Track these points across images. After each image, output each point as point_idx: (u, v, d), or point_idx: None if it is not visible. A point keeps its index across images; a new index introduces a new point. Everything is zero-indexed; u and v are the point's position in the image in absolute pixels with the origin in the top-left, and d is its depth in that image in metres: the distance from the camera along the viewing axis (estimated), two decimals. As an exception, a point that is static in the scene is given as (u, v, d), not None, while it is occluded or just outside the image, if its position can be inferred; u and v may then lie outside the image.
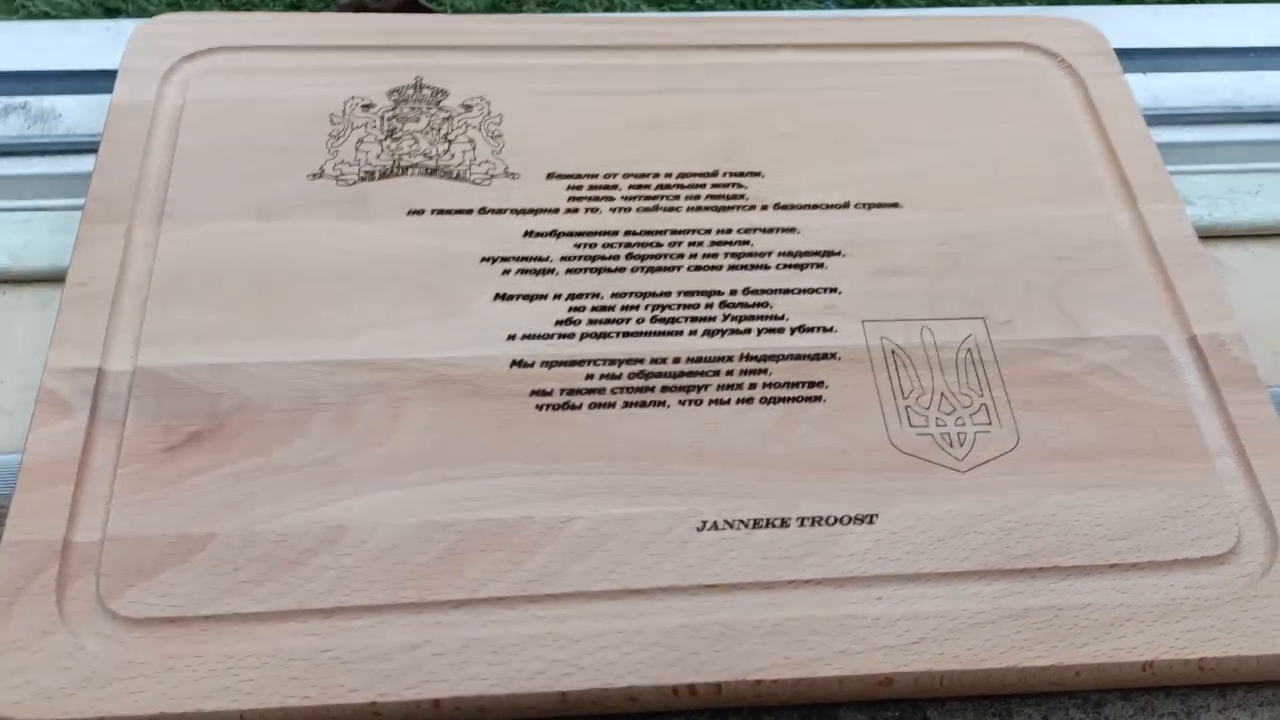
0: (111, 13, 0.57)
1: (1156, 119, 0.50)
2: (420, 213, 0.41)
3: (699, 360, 0.38)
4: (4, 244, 0.42)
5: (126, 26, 0.53)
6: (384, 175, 0.42)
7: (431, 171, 0.42)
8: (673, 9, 0.61)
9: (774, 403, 0.37)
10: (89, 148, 0.45)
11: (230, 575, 0.32)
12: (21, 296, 0.41)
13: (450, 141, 0.43)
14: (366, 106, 0.44)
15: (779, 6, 0.62)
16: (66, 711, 0.30)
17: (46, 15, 0.56)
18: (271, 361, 0.37)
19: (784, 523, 0.34)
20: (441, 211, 0.41)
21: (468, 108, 0.44)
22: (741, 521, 0.34)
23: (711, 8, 0.61)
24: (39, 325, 0.40)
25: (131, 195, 0.40)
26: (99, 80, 0.48)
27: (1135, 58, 0.54)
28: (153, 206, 0.40)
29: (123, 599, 0.32)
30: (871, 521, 0.35)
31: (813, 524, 0.35)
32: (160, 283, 0.38)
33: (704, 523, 0.34)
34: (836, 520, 0.35)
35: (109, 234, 0.39)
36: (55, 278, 0.41)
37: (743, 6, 0.62)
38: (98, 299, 0.37)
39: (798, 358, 0.38)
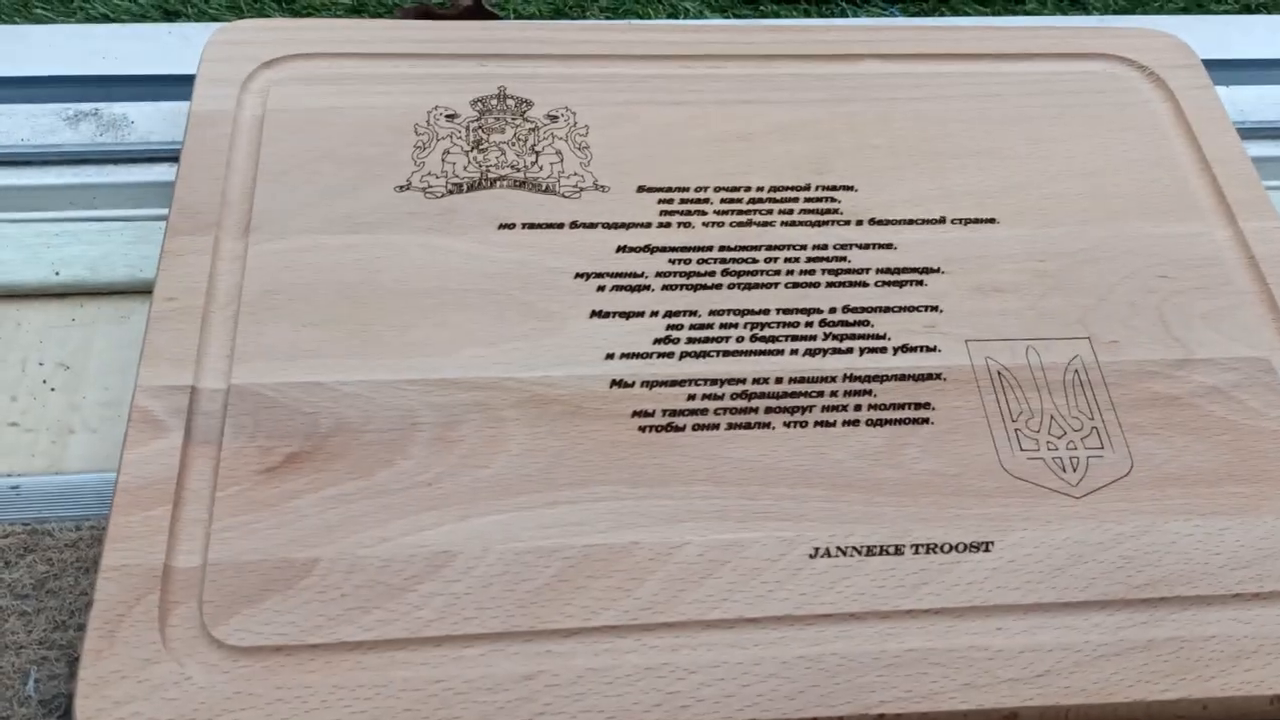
0: (170, 15, 0.56)
1: (1243, 132, 0.49)
2: (511, 226, 0.40)
3: (802, 380, 0.37)
4: (82, 256, 0.41)
5: (189, 30, 0.53)
6: (472, 188, 0.41)
7: (520, 184, 0.41)
8: (737, 15, 0.60)
9: (880, 425, 0.36)
10: (163, 156, 0.45)
11: (336, 602, 0.32)
12: (101, 309, 0.40)
13: (538, 153, 0.42)
14: (451, 116, 0.43)
15: (844, 14, 0.61)
16: (175, 744, 0.29)
17: (105, 18, 0.55)
18: (367, 380, 0.36)
19: (898, 550, 0.34)
20: (532, 225, 0.40)
21: (553, 118, 0.43)
22: (855, 548, 0.34)
23: (777, 14, 0.60)
24: (119, 339, 0.39)
25: (217, 207, 0.39)
26: (167, 86, 0.47)
27: (1215, 69, 0.53)
28: (239, 219, 0.39)
29: (227, 626, 0.31)
30: (987, 549, 0.34)
31: (927, 551, 0.34)
32: (250, 298, 0.37)
33: (816, 549, 0.33)
34: (951, 548, 0.34)
35: (195, 247, 0.38)
36: (134, 290, 0.41)
37: (806, 14, 0.61)
38: (187, 314, 0.37)
39: (902, 378, 0.37)
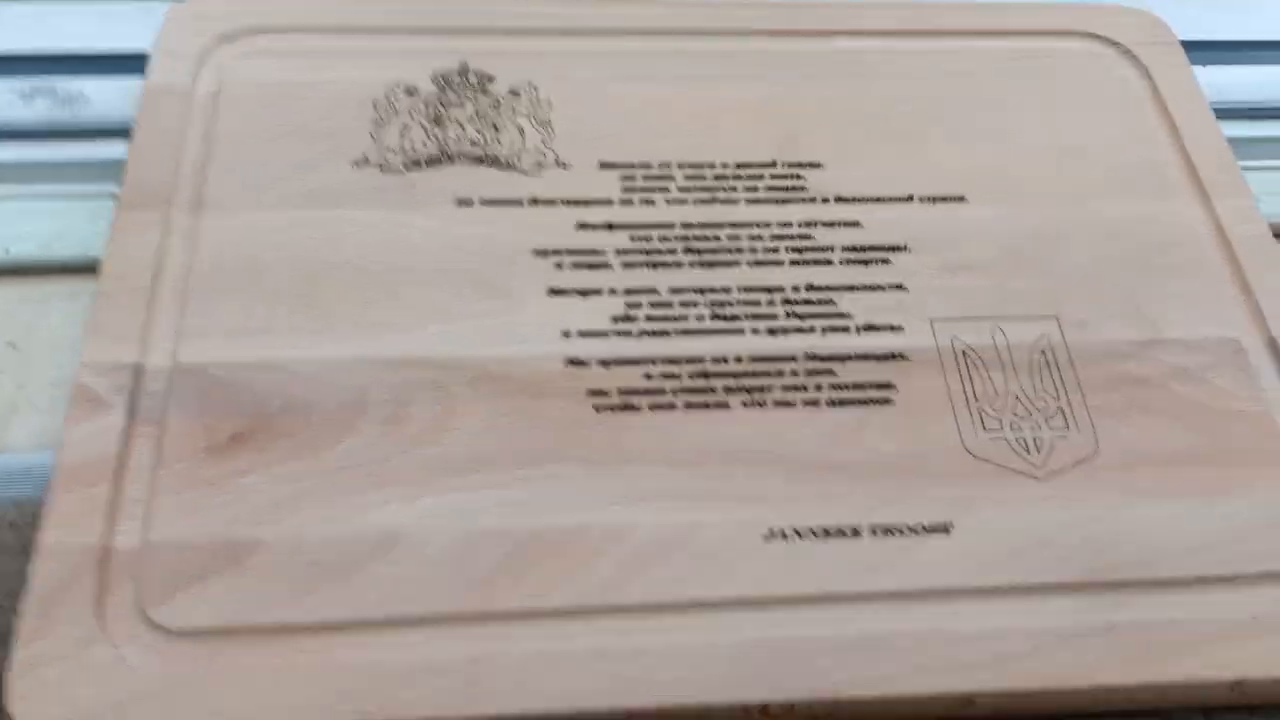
0: (137, -8, 0.56)
1: (1219, 113, 0.48)
2: (469, 203, 0.39)
3: (762, 360, 0.36)
4: (35, 232, 0.40)
5: (156, 8, 0.52)
6: (431, 163, 0.40)
7: (480, 160, 0.40)
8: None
9: (841, 405, 0.36)
10: (121, 132, 0.43)
11: (279, 583, 0.31)
12: (53, 287, 0.39)
13: (498, 129, 0.41)
14: (410, 92, 0.42)
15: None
16: (109, 727, 0.28)
17: (70, -5, 0.55)
18: (318, 358, 0.35)
19: (855, 532, 0.33)
20: (491, 202, 0.39)
21: (515, 94, 0.42)
22: (811, 530, 0.33)
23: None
24: (71, 317, 0.39)
25: (169, 183, 0.38)
26: (128, 63, 0.46)
27: (1192, 50, 0.52)
28: (191, 194, 0.38)
29: (166, 608, 0.30)
30: (947, 531, 0.33)
31: (886, 534, 0.33)
32: (200, 274, 0.36)
33: (771, 531, 0.33)
34: (910, 530, 0.33)
35: (145, 222, 0.37)
36: (88, 268, 0.40)
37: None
38: (134, 291, 0.36)
39: (865, 358, 0.37)
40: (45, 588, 0.30)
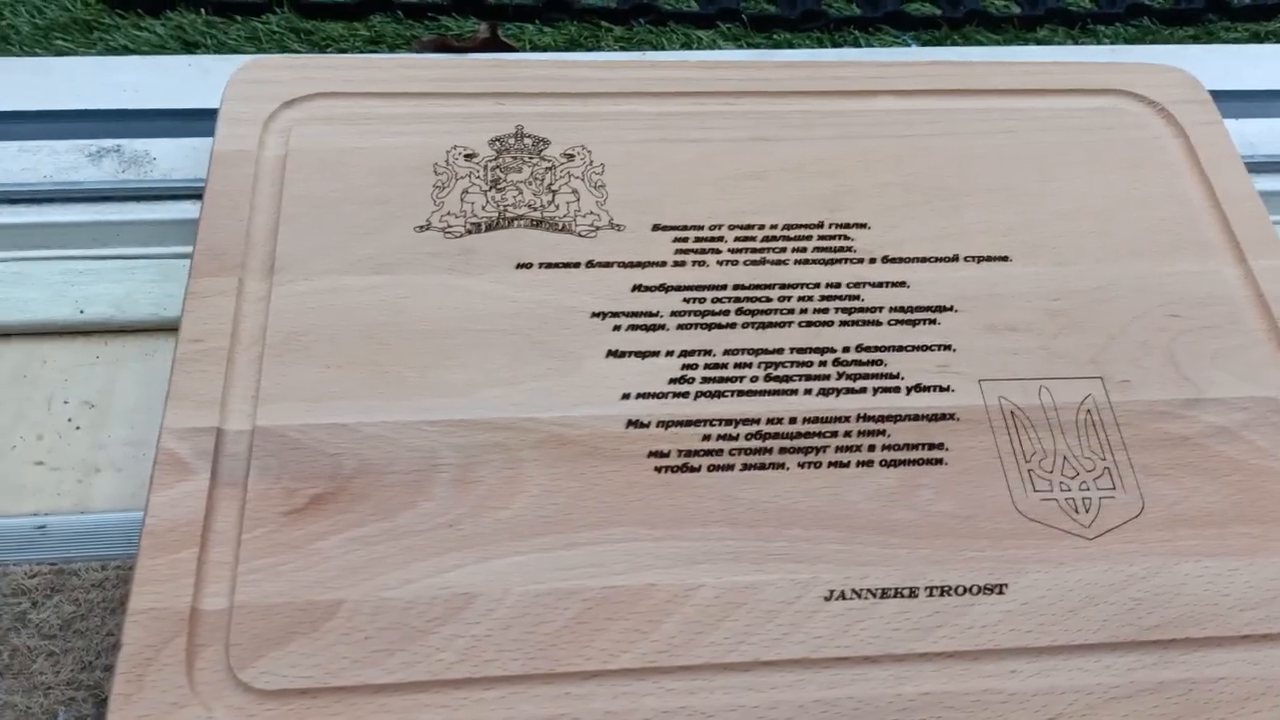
0: (190, 46, 0.57)
1: (1251, 166, 0.49)
2: (529, 266, 0.41)
3: (816, 420, 0.37)
4: (108, 294, 0.42)
5: (209, 63, 0.54)
6: (490, 227, 0.42)
7: (537, 223, 0.42)
8: (750, 44, 0.61)
9: (894, 465, 0.37)
10: (185, 194, 0.45)
11: (360, 644, 0.32)
12: (125, 347, 0.41)
13: (554, 192, 0.43)
14: (469, 156, 0.43)
15: (857, 43, 0.61)
16: (203, 787, 0.30)
17: (126, 49, 0.56)
18: (389, 421, 0.36)
19: (912, 592, 0.34)
20: (549, 265, 0.41)
21: (570, 157, 0.44)
22: (869, 591, 0.34)
23: (790, 44, 0.61)
24: (143, 377, 0.40)
25: (241, 248, 0.40)
26: (188, 120, 0.48)
27: (1224, 99, 0.53)
28: (263, 260, 0.40)
29: (254, 669, 0.31)
30: (1001, 591, 0.34)
31: (941, 593, 0.34)
32: (274, 339, 0.38)
33: (831, 592, 0.34)
34: (966, 590, 0.34)
35: (220, 288, 0.39)
36: (158, 328, 0.41)
37: (820, 44, 0.61)
38: (212, 356, 0.37)
39: (916, 418, 0.38)
40: (137, 651, 0.31)
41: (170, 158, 0.46)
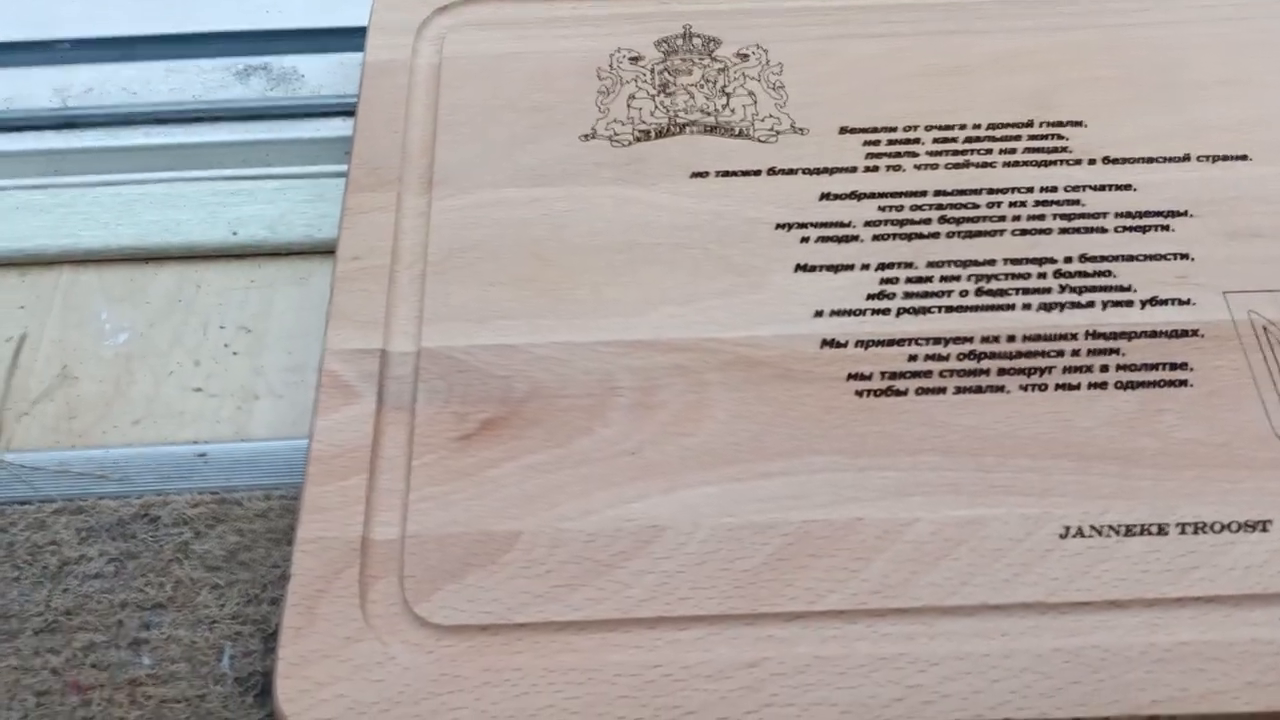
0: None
1: None
2: (704, 175, 0.37)
3: (1037, 338, 0.33)
4: (261, 215, 0.40)
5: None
6: (660, 134, 0.38)
7: (711, 129, 0.38)
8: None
9: (1131, 387, 0.32)
10: (335, 110, 0.43)
11: (542, 578, 0.29)
12: (280, 270, 0.39)
13: (729, 95, 0.39)
14: (635, 59, 0.40)
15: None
16: (381, 729, 0.28)
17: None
18: (561, 342, 0.33)
19: (1161, 529, 0.30)
20: (727, 173, 0.37)
21: (743, 57, 0.40)
22: (1111, 528, 0.30)
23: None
24: (298, 301, 0.38)
25: (397, 161, 0.37)
26: (335, 38, 0.46)
27: None
28: (420, 173, 0.37)
29: (430, 603, 0.29)
30: (1265, 529, 0.30)
31: (1195, 531, 0.30)
32: (436, 257, 0.35)
33: (1066, 529, 0.30)
34: (1224, 527, 0.30)
35: (378, 204, 0.36)
36: (312, 250, 0.39)
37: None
38: (373, 274, 0.35)
39: (1153, 335, 0.33)
40: (308, 582, 0.29)
41: (318, 74, 0.44)
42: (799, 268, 0.35)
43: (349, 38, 0.44)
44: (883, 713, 0.27)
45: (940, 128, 0.38)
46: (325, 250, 0.39)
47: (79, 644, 0.31)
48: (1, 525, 0.33)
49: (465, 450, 0.32)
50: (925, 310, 0.34)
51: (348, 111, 0.42)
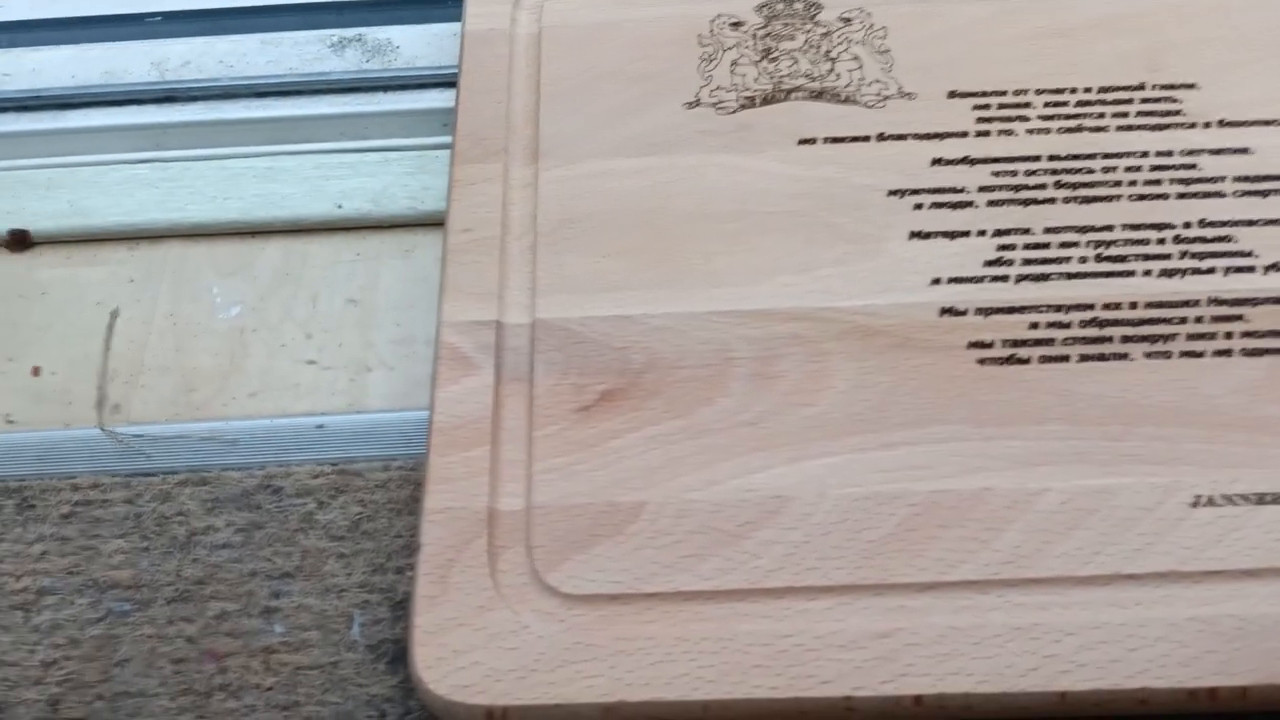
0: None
1: None
2: (812, 141, 0.37)
3: (1160, 306, 0.33)
4: (363, 188, 0.40)
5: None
6: (766, 101, 0.38)
7: (818, 95, 0.38)
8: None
9: (1259, 354, 0.32)
10: (431, 82, 0.43)
11: (669, 549, 0.30)
12: (384, 243, 0.39)
13: (833, 60, 0.38)
14: (736, 25, 0.40)
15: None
16: (519, 698, 0.28)
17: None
18: (675, 312, 0.33)
19: (1296, 498, 0.30)
20: (835, 140, 0.37)
21: (847, 21, 0.39)
22: (1242, 496, 0.30)
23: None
24: (405, 274, 0.38)
25: (502, 132, 0.37)
26: (428, 7, 0.45)
27: None
28: (526, 144, 0.37)
29: (559, 573, 0.29)
30: (1404, 497, 0.29)
31: (1331, 499, 0.30)
32: (546, 227, 0.35)
33: (1197, 498, 0.30)
34: (1362, 496, 0.30)
35: (485, 175, 0.36)
36: (416, 223, 0.39)
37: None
38: (484, 246, 0.35)
39: (1278, 301, 0.33)
40: (439, 551, 0.30)
41: (413, 45, 0.44)
42: (914, 235, 0.35)
43: (442, 6, 0.44)
44: (1018, 682, 0.27)
45: (1051, 91, 0.37)
46: (429, 223, 0.39)
47: (212, 613, 0.31)
48: (128, 497, 0.34)
49: (586, 421, 0.32)
50: (1045, 277, 0.34)
51: (445, 83, 0.42)
